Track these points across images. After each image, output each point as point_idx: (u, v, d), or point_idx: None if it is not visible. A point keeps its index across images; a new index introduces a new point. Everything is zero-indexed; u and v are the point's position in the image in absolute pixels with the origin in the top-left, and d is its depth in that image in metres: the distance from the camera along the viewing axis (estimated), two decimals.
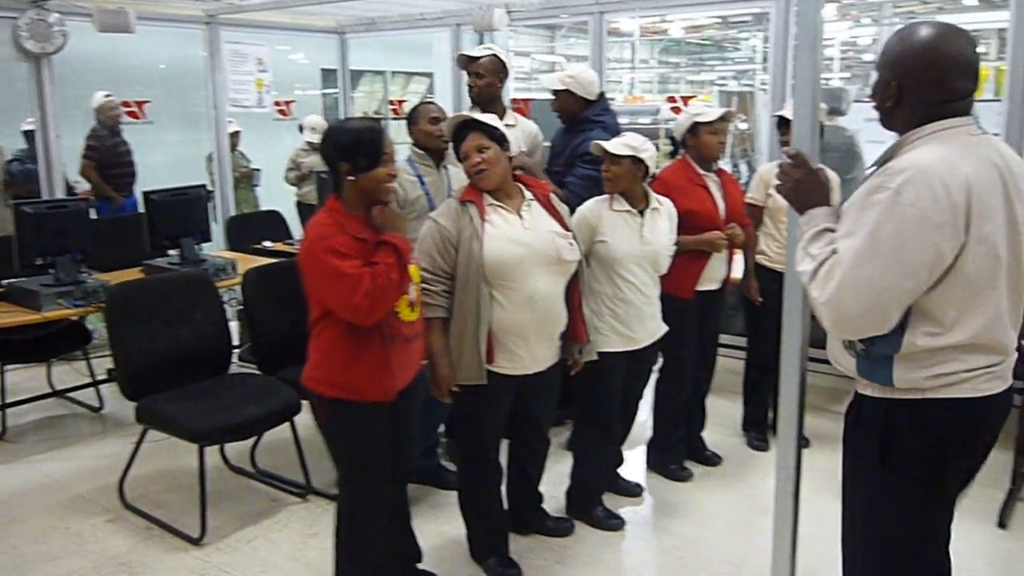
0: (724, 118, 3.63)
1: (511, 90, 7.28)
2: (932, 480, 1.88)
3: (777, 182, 2.01)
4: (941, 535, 1.96)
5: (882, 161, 1.87)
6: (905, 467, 1.87)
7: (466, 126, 2.86)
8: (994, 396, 1.84)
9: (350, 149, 2.46)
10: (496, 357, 2.82)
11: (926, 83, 1.81)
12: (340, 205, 2.51)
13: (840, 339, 1.94)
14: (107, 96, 6.68)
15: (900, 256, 1.70)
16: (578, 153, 3.79)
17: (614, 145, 3.21)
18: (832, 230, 1.82)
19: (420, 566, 3.03)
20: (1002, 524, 3.39)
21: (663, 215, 3.34)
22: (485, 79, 3.96)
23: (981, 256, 1.75)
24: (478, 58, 3.97)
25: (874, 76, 1.97)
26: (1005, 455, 3.68)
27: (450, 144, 3.54)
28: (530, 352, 2.88)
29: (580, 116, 3.90)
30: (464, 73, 4.07)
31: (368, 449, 2.62)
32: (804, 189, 1.93)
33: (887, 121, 1.94)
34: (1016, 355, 1.89)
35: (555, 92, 3.93)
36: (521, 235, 2.81)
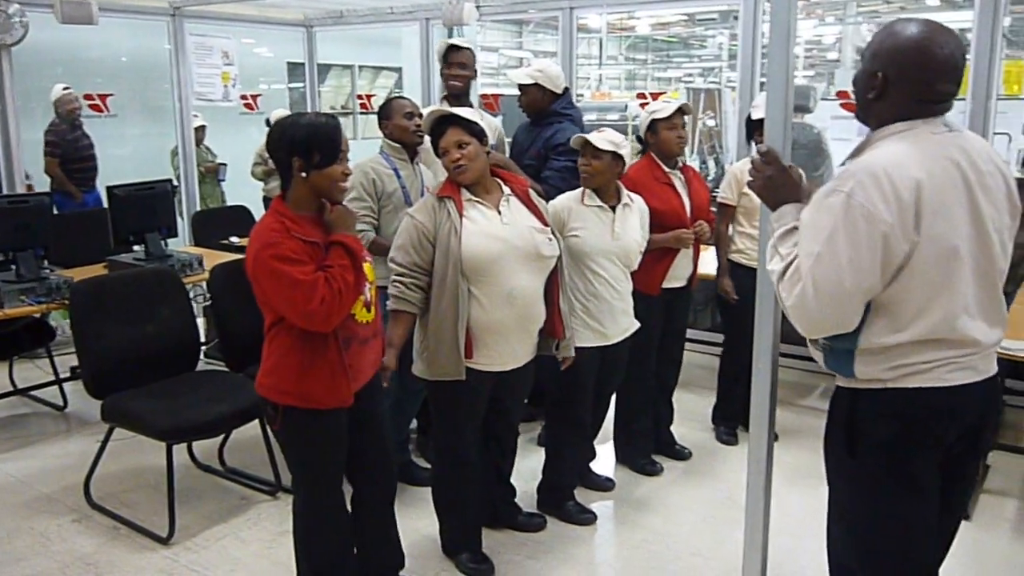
0: (681, 111, 3.64)
1: (479, 85, 7.27)
2: (899, 469, 1.89)
3: (750, 178, 2.02)
4: (919, 526, 1.94)
5: (852, 156, 1.90)
6: (871, 456, 1.90)
7: (444, 121, 2.84)
8: (965, 386, 1.85)
9: (305, 144, 2.34)
10: (474, 353, 2.81)
11: (912, 81, 1.82)
12: (286, 207, 2.40)
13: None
14: (65, 89, 6.54)
15: (856, 258, 1.73)
16: (551, 145, 3.81)
17: (598, 139, 3.23)
18: (797, 227, 1.85)
19: (402, 573, 2.98)
20: (967, 515, 3.45)
21: (635, 212, 3.37)
22: (468, 71, 3.98)
23: (935, 254, 1.77)
24: (465, 48, 3.98)
25: (842, 73, 2.01)
26: None
27: (426, 139, 3.55)
28: (509, 349, 2.88)
29: (548, 110, 3.92)
30: (438, 66, 4.06)
31: (321, 455, 2.57)
32: (775, 186, 1.95)
33: (864, 113, 1.95)
34: (994, 346, 1.90)
35: (523, 87, 3.93)
36: (499, 230, 2.81)
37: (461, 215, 2.77)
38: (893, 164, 1.75)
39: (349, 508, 2.74)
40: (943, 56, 1.81)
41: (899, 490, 1.91)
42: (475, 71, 4.05)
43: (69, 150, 6.54)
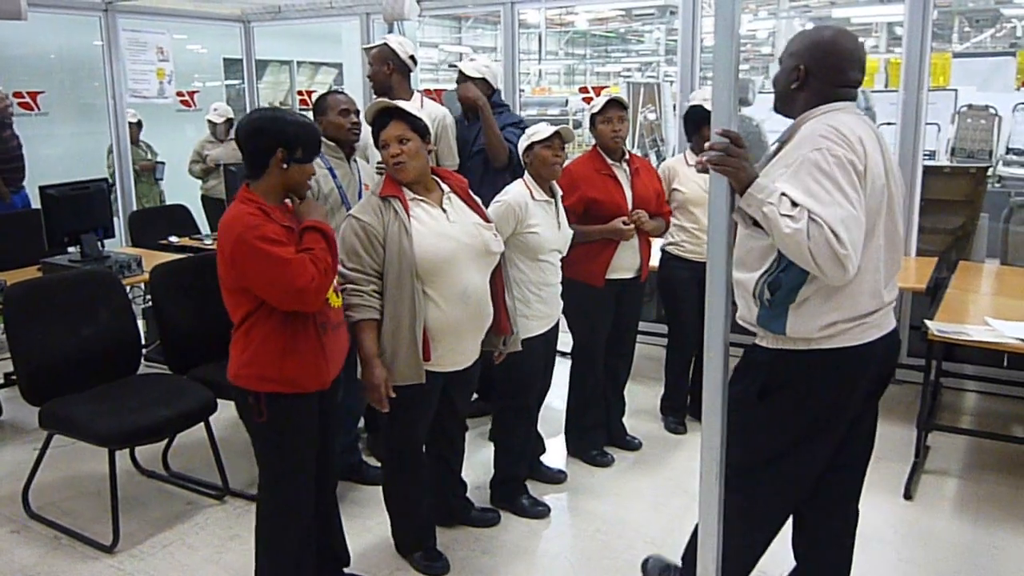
0: (615, 103, 3.66)
1: (418, 80, 7.23)
2: (805, 414, 2.19)
3: (716, 164, 2.01)
4: (813, 468, 2.26)
5: (783, 139, 2.20)
6: (779, 401, 2.18)
7: (387, 113, 2.80)
8: (873, 343, 2.14)
9: (294, 138, 2.42)
10: (430, 355, 2.78)
11: (829, 69, 2.15)
12: (256, 196, 2.43)
13: (748, 292, 2.17)
14: None
15: (857, 197, 1.98)
16: (503, 126, 3.93)
17: (568, 132, 3.31)
18: (784, 193, 1.98)
19: (347, 570, 2.96)
20: (908, 495, 3.55)
21: (560, 203, 3.43)
22: (378, 66, 4.00)
23: (870, 208, 2.05)
24: (373, 48, 4.04)
25: (776, 67, 2.30)
26: (909, 430, 3.87)
27: (360, 136, 3.50)
28: (462, 348, 2.87)
29: (490, 102, 4.01)
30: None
31: (300, 445, 2.56)
32: (745, 165, 1.99)
33: (787, 103, 2.23)
34: (894, 303, 2.21)
35: (471, 80, 3.94)
36: (448, 229, 2.78)
37: (408, 214, 2.74)
38: (844, 125, 2.05)
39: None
40: (851, 48, 2.18)
41: (800, 429, 2.20)
42: (391, 64, 4.01)
43: None
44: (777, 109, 2.29)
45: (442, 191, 2.88)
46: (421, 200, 2.80)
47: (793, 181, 1.99)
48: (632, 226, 3.62)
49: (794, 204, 1.96)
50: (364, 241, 2.70)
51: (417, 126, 2.78)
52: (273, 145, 2.41)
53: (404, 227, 2.70)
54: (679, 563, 2.64)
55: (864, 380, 2.20)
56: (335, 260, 2.48)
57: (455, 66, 4.43)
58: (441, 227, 2.77)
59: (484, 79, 3.96)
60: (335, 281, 2.53)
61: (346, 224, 2.78)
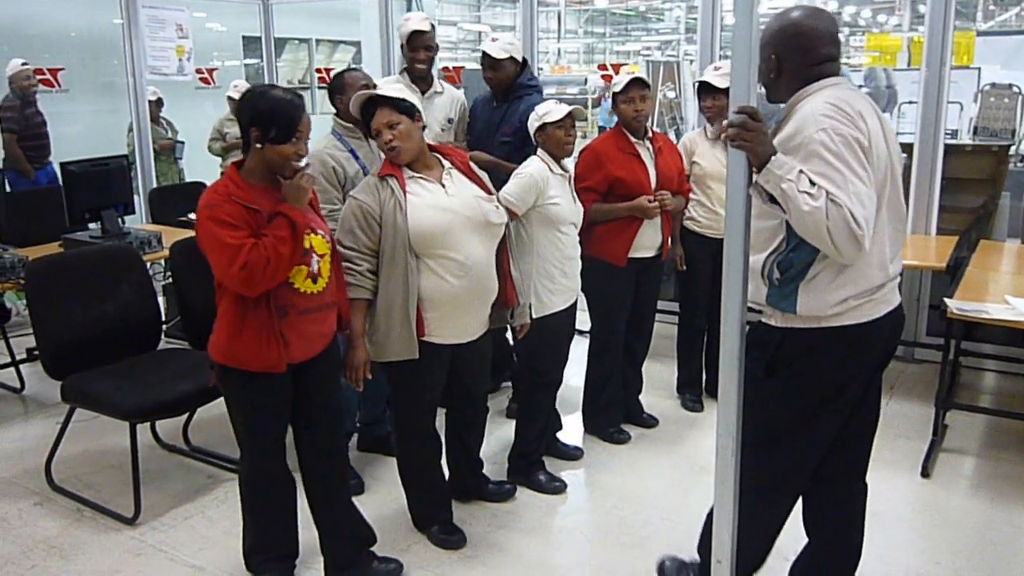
0: (638, 83, 3.64)
1: (437, 59, 7.19)
2: (813, 391, 2.19)
3: (738, 139, 2.01)
4: (817, 451, 2.27)
5: (779, 120, 2.19)
6: (787, 378, 2.19)
7: (371, 102, 2.80)
8: (880, 319, 2.15)
9: (266, 117, 2.41)
10: (427, 328, 2.80)
11: (799, 51, 2.15)
12: (238, 174, 2.48)
13: (756, 272, 2.17)
14: (24, 64, 6.37)
15: (866, 174, 1.99)
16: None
17: (580, 112, 3.34)
18: (802, 171, 1.98)
19: (378, 551, 2.95)
20: (925, 473, 3.54)
21: (572, 179, 3.46)
22: (432, 52, 3.99)
23: (876, 181, 2.05)
24: (428, 32, 3.95)
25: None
26: (927, 408, 3.86)
27: None
28: (463, 321, 2.88)
29: (517, 83, 3.95)
30: (399, 43, 4.00)
31: (255, 418, 2.65)
32: (763, 140, 1.98)
33: (773, 94, 2.24)
34: (898, 279, 2.22)
35: (498, 61, 3.92)
36: (445, 202, 2.79)
37: (404, 192, 2.75)
38: (842, 101, 2.05)
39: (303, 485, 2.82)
40: (816, 26, 2.17)
41: (810, 407, 2.21)
42: (437, 47, 4.06)
43: (22, 126, 6.37)
44: (770, 100, 2.29)
45: (443, 167, 2.89)
46: (420, 177, 2.81)
47: (804, 164, 1.98)
48: (657, 204, 3.62)
49: (812, 183, 1.96)
50: (360, 220, 2.74)
51: (403, 107, 2.78)
52: (247, 124, 2.43)
53: (399, 204, 2.73)
54: (695, 557, 2.64)
55: (871, 356, 2.22)
56: (296, 249, 2.44)
57: (478, 50, 4.39)
58: (438, 200, 2.78)
59: (512, 57, 3.92)
60: (315, 265, 2.53)
61: (347, 203, 2.81)
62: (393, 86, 2.94)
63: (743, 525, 2.13)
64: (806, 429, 2.24)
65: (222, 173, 7.06)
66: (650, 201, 3.60)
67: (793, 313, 2.13)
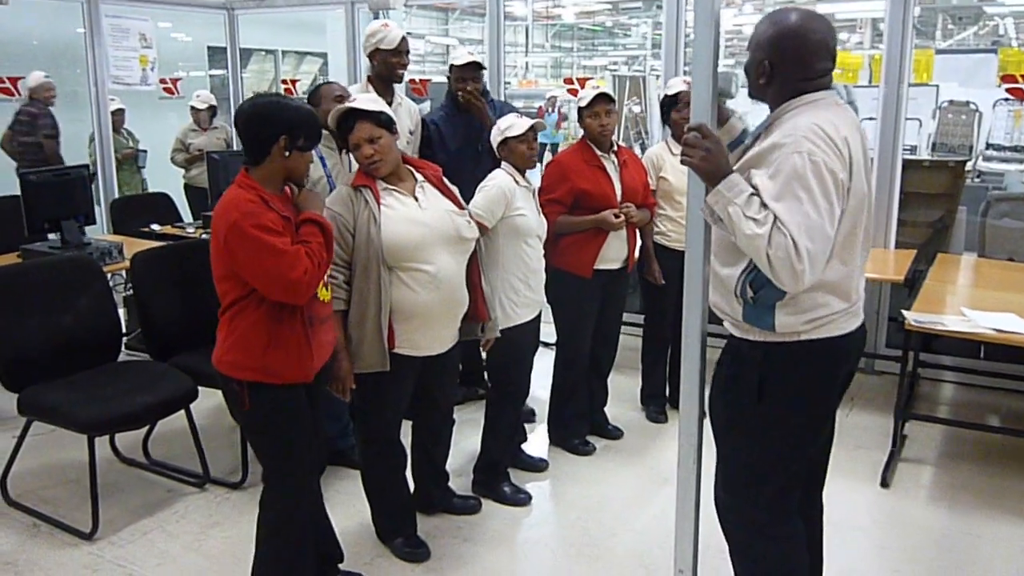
0: (603, 98, 3.67)
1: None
2: (805, 410, 2.16)
3: (686, 156, 2.04)
4: (805, 457, 2.24)
5: (759, 132, 2.12)
6: (779, 400, 2.13)
7: (350, 115, 2.78)
8: (852, 333, 2.16)
9: (297, 125, 2.39)
10: (398, 340, 2.79)
11: (792, 63, 2.06)
12: (255, 182, 2.40)
13: (729, 290, 2.14)
14: (47, 77, 6.58)
15: (830, 208, 1.93)
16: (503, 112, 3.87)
17: (540, 125, 3.37)
18: (755, 193, 1.95)
19: (342, 567, 2.94)
20: (885, 483, 3.59)
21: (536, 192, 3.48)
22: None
23: (854, 208, 2.02)
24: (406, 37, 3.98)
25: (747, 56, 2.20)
26: (886, 419, 3.92)
27: None
28: (433, 333, 2.88)
29: (485, 91, 4.07)
30: (366, 51, 3.99)
31: (290, 435, 2.52)
32: (713, 158, 1.99)
33: (759, 94, 2.17)
34: (862, 295, 2.19)
35: (481, 69, 4.02)
36: (418, 215, 2.80)
37: (379, 203, 2.74)
38: (829, 125, 1.97)
39: None
40: (816, 37, 2.06)
41: (800, 428, 2.18)
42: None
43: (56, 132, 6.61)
44: (752, 96, 2.22)
45: (415, 180, 2.89)
46: (394, 189, 2.81)
47: (769, 182, 1.95)
48: (622, 218, 3.64)
49: (764, 205, 1.92)
50: (335, 232, 2.68)
51: (382, 121, 2.78)
52: (276, 132, 2.38)
53: (373, 216, 2.72)
54: None
55: (848, 367, 2.22)
56: (331, 255, 2.47)
57: (446, 63, 4.42)
58: (411, 213, 2.79)
59: (477, 63, 4.00)
60: (325, 275, 2.52)
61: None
62: (369, 98, 2.91)
63: (767, 564, 2.17)
64: (800, 448, 2.20)
65: (185, 184, 7.05)
66: (616, 215, 3.63)
67: (772, 331, 2.10)
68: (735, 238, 1.97)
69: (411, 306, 2.78)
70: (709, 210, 2.01)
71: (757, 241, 1.90)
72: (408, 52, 3.96)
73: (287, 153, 2.40)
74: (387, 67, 3.92)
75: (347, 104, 2.83)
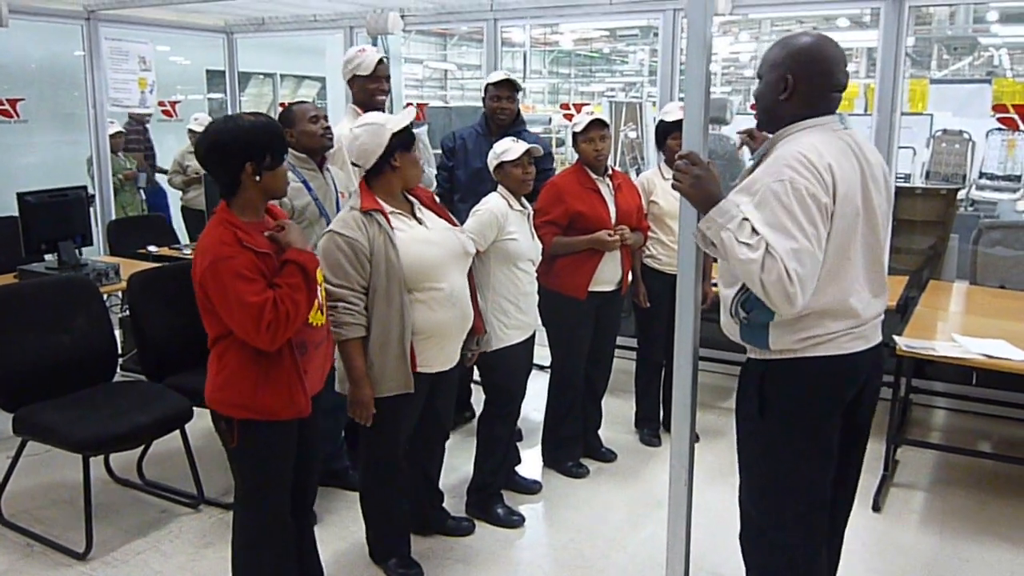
0: (597, 124, 3.71)
1: (402, 96, 7.26)
2: (807, 428, 2.16)
3: (676, 183, 2.08)
4: (820, 480, 2.20)
5: (760, 156, 2.15)
6: (781, 417, 2.16)
7: (408, 134, 2.84)
8: (860, 353, 2.14)
9: (256, 146, 2.30)
10: (417, 360, 2.82)
11: (817, 73, 2.11)
12: (233, 214, 2.34)
13: (727, 311, 2.17)
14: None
15: (816, 233, 1.97)
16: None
17: (536, 150, 3.41)
18: (746, 219, 1.98)
19: None
20: (876, 507, 3.60)
21: (532, 216, 3.52)
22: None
23: (841, 231, 2.03)
24: (386, 61, 3.99)
25: (756, 84, 2.23)
26: (878, 444, 3.92)
27: (333, 142, 3.48)
28: (449, 349, 2.94)
29: (520, 117, 4.17)
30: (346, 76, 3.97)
31: (277, 467, 2.51)
32: (703, 185, 2.03)
33: (773, 117, 2.18)
34: (881, 316, 2.21)
35: (517, 91, 4.11)
36: (429, 236, 2.85)
37: (392, 227, 2.77)
38: (812, 151, 2.01)
39: None
40: (834, 52, 2.13)
41: (805, 446, 2.17)
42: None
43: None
44: (762, 126, 2.26)
45: (410, 203, 2.93)
46: (399, 212, 2.84)
47: (755, 210, 1.99)
48: (617, 237, 3.68)
49: (755, 231, 1.96)
50: (351, 257, 2.70)
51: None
52: (240, 160, 2.30)
53: (390, 240, 2.73)
54: None
55: (852, 388, 2.19)
56: (313, 295, 2.39)
57: (444, 88, 4.47)
58: (422, 235, 2.83)
59: (512, 81, 4.09)
60: (318, 299, 2.47)
61: (327, 240, 2.75)
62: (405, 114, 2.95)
63: None
64: (807, 463, 2.19)
65: (183, 207, 7.08)
66: (610, 235, 3.66)
67: (767, 349, 2.14)
68: (729, 263, 2.01)
69: (429, 325, 2.82)
70: (701, 235, 2.04)
71: (751, 266, 1.94)
72: (388, 78, 3.90)
73: (257, 178, 2.33)
74: (365, 93, 3.84)
75: (411, 120, 2.88)
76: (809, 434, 2.16)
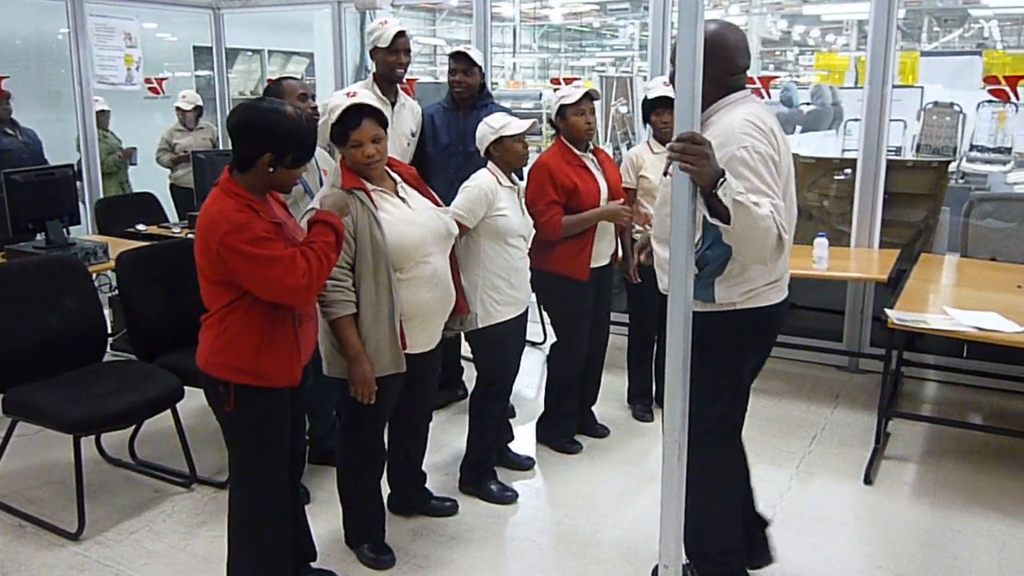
0: (589, 96, 3.65)
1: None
2: (733, 371, 2.55)
3: (687, 165, 2.05)
4: (740, 411, 2.65)
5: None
6: (714, 361, 2.45)
7: (360, 111, 2.73)
8: (778, 304, 2.51)
9: (285, 142, 2.33)
10: (406, 343, 2.81)
11: (720, 60, 2.34)
12: (242, 188, 2.35)
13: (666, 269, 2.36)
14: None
15: (776, 189, 2.23)
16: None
17: (535, 126, 3.38)
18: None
19: (315, 565, 2.93)
20: (868, 480, 3.62)
21: (523, 191, 3.51)
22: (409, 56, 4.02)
23: (782, 189, 2.28)
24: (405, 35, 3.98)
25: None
26: (870, 417, 3.95)
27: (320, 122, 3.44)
28: (431, 330, 2.92)
29: (485, 92, 4.09)
30: (363, 49, 4.00)
31: (274, 436, 2.52)
32: (713, 162, 2.02)
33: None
34: (787, 273, 2.55)
35: (475, 66, 4.02)
36: (412, 215, 2.81)
37: (375, 206, 2.74)
38: (756, 117, 2.29)
39: None
40: (734, 40, 2.42)
41: (731, 388, 2.57)
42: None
43: None
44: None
45: (394, 180, 2.89)
46: (381, 191, 2.81)
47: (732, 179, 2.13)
48: (631, 208, 3.72)
49: None
50: None
51: (383, 122, 2.79)
52: (263, 148, 2.31)
53: (374, 218, 2.71)
54: (687, 560, 2.66)
55: (772, 336, 2.60)
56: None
57: (434, 63, 4.43)
58: (406, 215, 2.80)
59: (480, 66, 4.05)
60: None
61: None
62: (370, 95, 2.88)
63: (710, 512, 2.53)
64: (738, 395, 2.61)
65: (171, 185, 7.01)
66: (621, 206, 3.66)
67: (712, 301, 2.42)
68: (737, 226, 2.08)
69: (415, 306, 2.80)
70: (711, 203, 2.06)
71: (768, 221, 2.11)
72: (408, 51, 3.94)
73: (271, 169, 2.34)
74: (384, 66, 3.91)
75: (357, 99, 2.75)
76: (733, 375, 2.55)
